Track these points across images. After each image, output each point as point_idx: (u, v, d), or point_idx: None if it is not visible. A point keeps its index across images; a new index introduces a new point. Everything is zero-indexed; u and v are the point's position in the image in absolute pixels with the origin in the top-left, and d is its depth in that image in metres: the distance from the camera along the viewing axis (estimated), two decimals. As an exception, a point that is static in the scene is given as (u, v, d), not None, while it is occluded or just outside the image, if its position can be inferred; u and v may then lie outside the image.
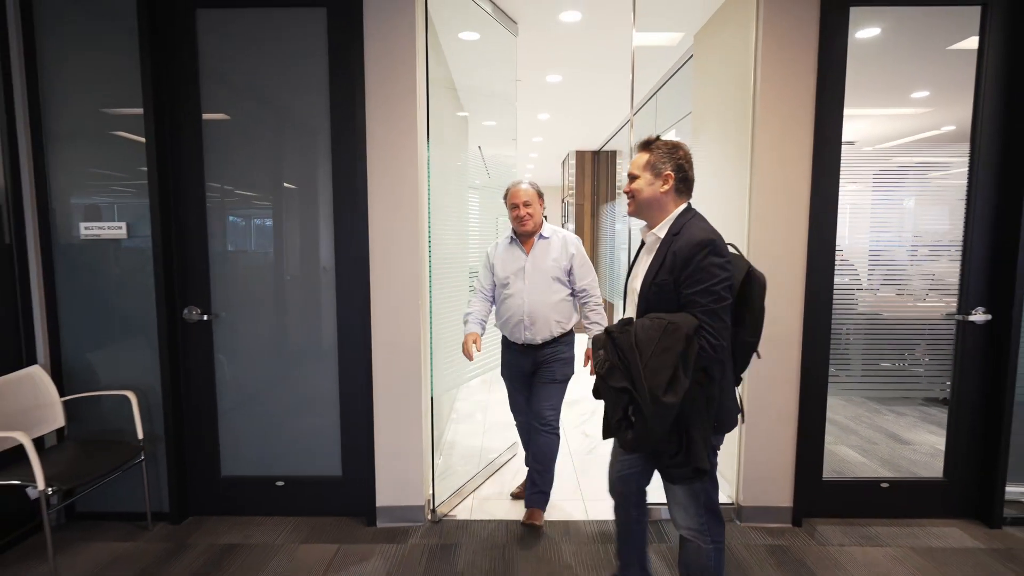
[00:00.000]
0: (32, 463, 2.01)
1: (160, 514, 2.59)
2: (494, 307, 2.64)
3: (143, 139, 2.42)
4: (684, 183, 1.65)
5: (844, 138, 2.43)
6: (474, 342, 2.46)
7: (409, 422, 2.52)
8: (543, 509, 2.57)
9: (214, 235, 2.53)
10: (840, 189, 2.43)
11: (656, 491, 1.81)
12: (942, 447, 2.60)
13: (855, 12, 2.39)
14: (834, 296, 2.51)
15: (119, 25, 2.39)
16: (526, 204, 2.46)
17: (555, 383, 2.52)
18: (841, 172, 2.43)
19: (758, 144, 2.42)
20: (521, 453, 2.95)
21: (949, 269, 2.54)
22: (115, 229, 2.47)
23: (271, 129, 2.51)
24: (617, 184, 7.05)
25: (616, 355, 1.53)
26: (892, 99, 2.51)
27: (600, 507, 2.73)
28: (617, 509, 1.90)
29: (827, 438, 2.56)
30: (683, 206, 1.66)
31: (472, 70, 3.08)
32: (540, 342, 2.49)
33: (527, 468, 2.63)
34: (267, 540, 2.44)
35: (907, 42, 2.46)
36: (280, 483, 2.62)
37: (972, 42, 2.43)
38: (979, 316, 2.49)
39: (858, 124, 2.48)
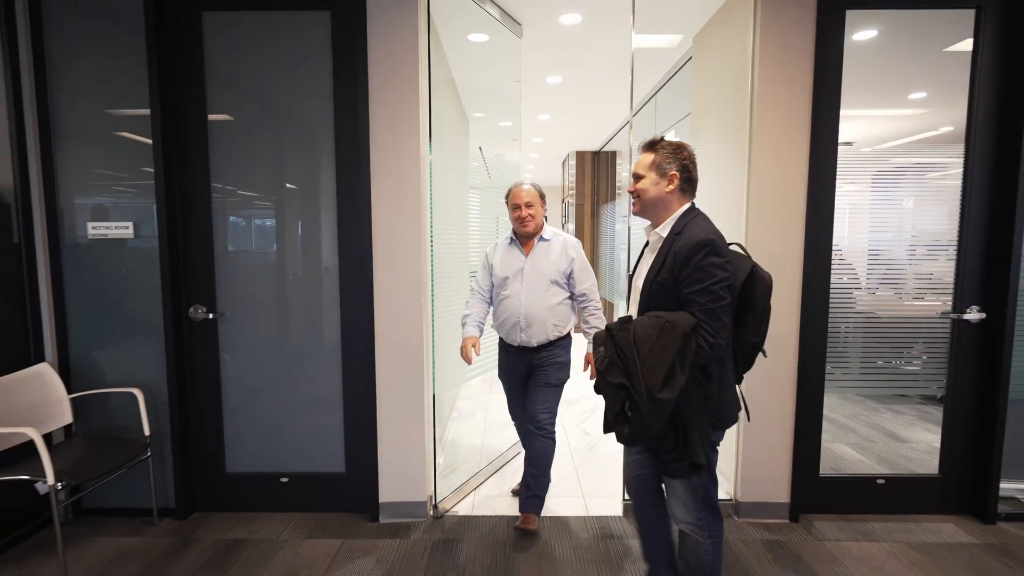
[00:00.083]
0: (42, 458, 2.04)
1: (166, 510, 2.62)
2: (492, 308, 2.63)
3: (149, 140, 2.45)
4: (688, 183, 1.68)
5: (843, 139, 2.46)
6: (473, 346, 2.46)
7: (411, 420, 2.55)
8: (538, 514, 2.52)
9: (219, 235, 2.56)
10: (839, 189, 2.46)
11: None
12: (938, 444, 2.63)
13: (852, 15, 2.42)
14: (832, 295, 2.54)
15: (125, 27, 2.42)
16: (528, 205, 2.46)
17: (550, 387, 2.50)
18: (839, 172, 2.46)
19: (756, 145, 2.45)
20: (522, 452, 2.98)
21: (946, 268, 2.56)
22: (122, 229, 2.51)
23: (275, 130, 2.54)
24: (617, 184, 7.08)
25: (615, 352, 1.55)
26: (890, 100, 2.54)
27: (600, 503, 2.76)
28: (635, 510, 1.89)
29: (825, 436, 2.59)
30: (687, 206, 1.68)
31: (478, 72, 3.11)
32: (536, 345, 2.47)
33: (527, 468, 2.63)
34: (272, 535, 2.47)
35: (904, 44, 2.49)
36: (284, 479, 2.65)
37: (968, 44, 2.46)
38: (974, 315, 2.52)
39: (857, 125, 2.51)
